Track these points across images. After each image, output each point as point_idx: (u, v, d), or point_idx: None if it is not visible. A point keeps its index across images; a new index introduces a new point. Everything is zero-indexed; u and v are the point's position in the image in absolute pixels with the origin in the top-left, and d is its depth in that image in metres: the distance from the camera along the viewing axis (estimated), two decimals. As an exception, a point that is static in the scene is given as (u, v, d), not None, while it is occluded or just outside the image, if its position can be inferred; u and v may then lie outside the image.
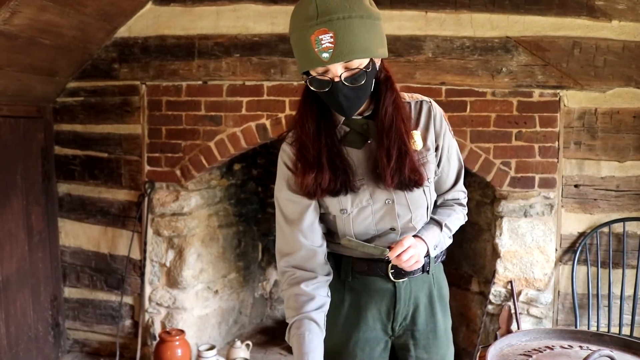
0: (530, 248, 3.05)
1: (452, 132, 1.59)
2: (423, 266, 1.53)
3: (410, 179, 1.43)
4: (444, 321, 1.60)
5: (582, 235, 3.06)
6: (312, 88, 1.34)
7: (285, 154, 1.48)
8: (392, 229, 1.49)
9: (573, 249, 3.06)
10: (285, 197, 1.48)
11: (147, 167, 3.30)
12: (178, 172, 3.26)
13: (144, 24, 3.23)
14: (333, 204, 1.46)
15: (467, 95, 3.02)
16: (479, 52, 3.01)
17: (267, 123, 3.14)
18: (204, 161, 3.23)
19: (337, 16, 1.23)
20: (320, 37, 1.24)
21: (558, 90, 3.00)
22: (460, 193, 1.64)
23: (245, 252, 3.94)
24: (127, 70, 3.29)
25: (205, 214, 3.50)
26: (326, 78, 1.31)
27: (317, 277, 1.46)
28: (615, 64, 2.95)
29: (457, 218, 1.60)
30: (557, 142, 3.01)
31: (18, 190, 3.09)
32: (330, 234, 1.54)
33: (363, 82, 1.32)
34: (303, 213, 1.46)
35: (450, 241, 1.60)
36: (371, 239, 1.49)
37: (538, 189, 3.03)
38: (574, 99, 3.00)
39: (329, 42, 1.24)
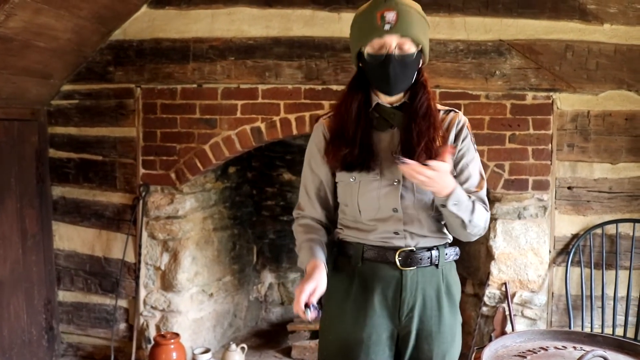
0: (524, 250, 3.06)
1: (476, 148, 1.66)
2: (431, 259, 1.60)
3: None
4: (450, 318, 1.64)
5: (575, 236, 3.08)
6: (366, 59, 1.54)
7: (322, 126, 1.69)
8: (395, 210, 1.57)
9: (566, 251, 3.08)
10: (309, 163, 1.70)
11: (141, 170, 3.30)
12: (173, 175, 3.26)
13: (139, 27, 3.23)
14: (346, 175, 1.61)
15: (461, 98, 3.04)
16: (472, 55, 3.02)
17: (262, 126, 3.15)
18: (198, 164, 3.23)
19: (401, 3, 1.52)
20: (385, 14, 1.49)
21: (551, 93, 3.02)
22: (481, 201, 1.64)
23: (240, 255, 3.94)
24: (122, 73, 3.29)
25: (200, 216, 3.49)
26: (381, 53, 1.51)
27: (322, 228, 1.69)
28: (607, 67, 2.97)
29: (479, 207, 1.58)
30: (550, 145, 3.03)
31: (12, 193, 3.08)
32: (345, 221, 1.66)
33: (410, 62, 1.53)
34: (317, 182, 1.68)
35: (465, 219, 1.55)
36: (375, 217, 1.59)
37: (532, 191, 3.05)
38: (566, 102, 3.02)
39: (392, 19, 1.49)
